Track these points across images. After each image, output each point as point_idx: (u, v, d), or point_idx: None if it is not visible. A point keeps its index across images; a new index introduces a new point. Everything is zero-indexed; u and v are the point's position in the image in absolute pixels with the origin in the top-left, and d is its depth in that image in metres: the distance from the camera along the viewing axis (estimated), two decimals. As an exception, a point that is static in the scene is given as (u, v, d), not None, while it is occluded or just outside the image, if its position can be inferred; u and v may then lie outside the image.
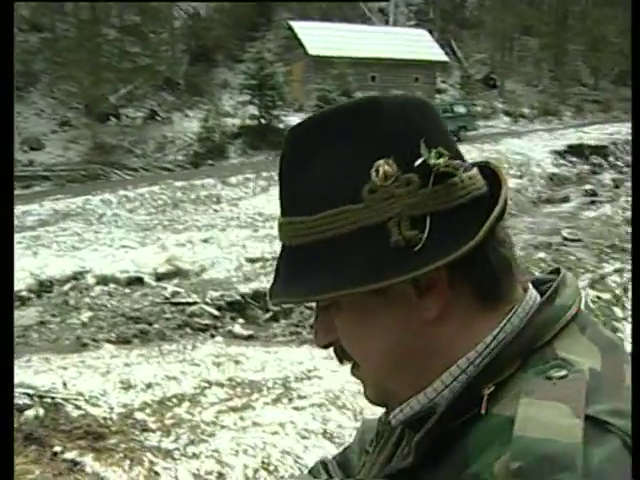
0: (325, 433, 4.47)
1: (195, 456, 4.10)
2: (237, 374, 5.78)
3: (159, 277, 10.79)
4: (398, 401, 0.78)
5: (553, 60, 38.83)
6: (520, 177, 18.49)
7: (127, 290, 10.20)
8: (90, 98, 27.68)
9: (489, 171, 0.77)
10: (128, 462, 4.00)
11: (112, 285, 10.39)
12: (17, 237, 12.62)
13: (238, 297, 9.51)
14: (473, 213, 0.71)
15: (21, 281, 9.74)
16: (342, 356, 0.79)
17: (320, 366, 6.02)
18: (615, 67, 40.33)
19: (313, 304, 0.79)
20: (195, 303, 9.35)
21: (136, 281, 10.56)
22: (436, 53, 35.63)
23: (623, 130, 23.05)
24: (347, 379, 5.57)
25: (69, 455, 4.07)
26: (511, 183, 15.59)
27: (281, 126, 29.22)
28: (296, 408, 4.91)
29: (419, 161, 0.70)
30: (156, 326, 8.56)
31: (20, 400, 4.71)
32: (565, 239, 12.33)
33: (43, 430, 4.37)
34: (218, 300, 9.44)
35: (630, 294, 7.24)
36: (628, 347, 0.79)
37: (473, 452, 0.66)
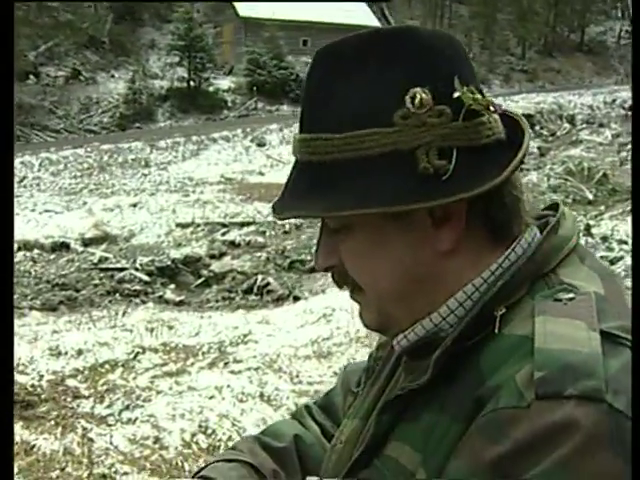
0: (262, 396, 4.45)
1: (130, 421, 4.02)
2: (171, 339, 5.69)
3: (86, 242, 10.48)
4: (397, 329, 0.80)
5: (483, 29, 39.35)
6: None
7: (52, 256, 9.87)
8: (8, 55, 26.36)
9: (507, 119, 0.79)
10: (60, 429, 3.88)
11: (36, 251, 10.02)
12: None
13: (169, 262, 9.33)
14: (497, 153, 0.73)
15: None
16: (341, 281, 0.80)
17: (256, 330, 5.99)
18: (541, 37, 41.25)
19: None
20: (124, 269, 9.14)
21: (61, 247, 10.23)
22: (369, 18, 35.54)
23: (549, 99, 23.69)
24: (283, 343, 5.57)
25: (-4, 424, 3.91)
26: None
27: (211, 89, 28.69)
28: (232, 372, 4.87)
29: (455, 95, 0.71)
30: (84, 292, 8.32)
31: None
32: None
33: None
34: (148, 266, 9.24)
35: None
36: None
37: (488, 369, 0.68)
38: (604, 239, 8.39)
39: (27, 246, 10.16)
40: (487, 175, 0.71)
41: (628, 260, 6.98)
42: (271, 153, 18.41)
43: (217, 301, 8.22)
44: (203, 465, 0.98)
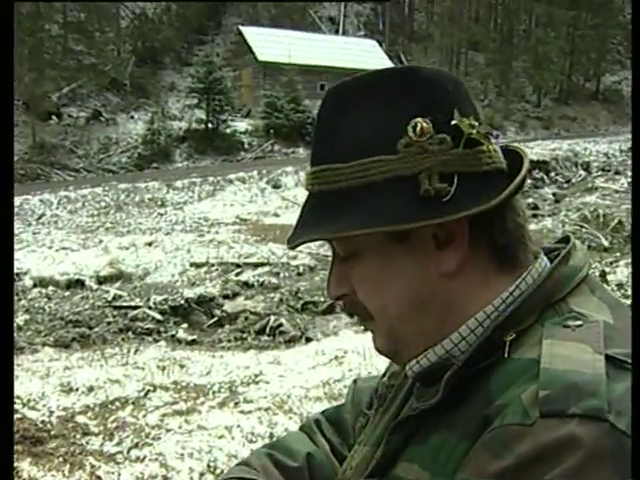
0: (272, 437, 4.40)
1: (139, 460, 3.98)
2: (182, 378, 5.67)
3: (101, 280, 10.53)
4: (409, 353, 0.82)
5: (499, 76, 39.75)
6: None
7: (67, 293, 9.92)
8: (30, 95, 26.95)
9: (508, 152, 0.83)
10: (68, 466, 3.86)
11: (51, 288, 10.09)
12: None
13: (182, 302, 9.35)
14: (497, 181, 0.77)
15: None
16: (352, 309, 0.83)
17: (267, 371, 5.96)
18: (557, 85, 41.57)
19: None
20: (138, 307, 9.16)
21: (76, 284, 10.29)
22: (385, 64, 36.00)
23: (564, 147, 23.73)
24: (294, 384, 5.53)
25: (5, 460, 3.89)
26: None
27: (228, 131, 29.06)
28: (242, 412, 4.83)
29: (453, 122, 0.76)
30: (97, 330, 8.34)
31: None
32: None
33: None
34: (162, 304, 9.27)
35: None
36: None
37: (497, 390, 0.70)
38: (619, 286, 8.33)
39: (42, 283, 10.24)
40: (487, 198, 0.74)
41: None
42: (286, 195, 18.53)
43: (229, 341, 8.20)
44: None
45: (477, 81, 40.85)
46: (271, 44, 32.91)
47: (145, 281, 10.56)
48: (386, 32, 42.39)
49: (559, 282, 0.77)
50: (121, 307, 9.25)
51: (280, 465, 1.00)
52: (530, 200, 17.94)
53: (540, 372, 0.67)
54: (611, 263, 10.11)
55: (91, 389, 5.21)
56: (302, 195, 16.98)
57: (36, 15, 29.90)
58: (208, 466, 3.94)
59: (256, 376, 5.77)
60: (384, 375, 0.97)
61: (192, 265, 11.28)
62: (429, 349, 0.80)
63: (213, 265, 11.15)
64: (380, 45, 38.33)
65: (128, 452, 4.09)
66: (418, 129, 0.74)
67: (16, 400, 4.79)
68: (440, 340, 0.79)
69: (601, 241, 12.01)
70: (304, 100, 30.02)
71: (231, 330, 8.67)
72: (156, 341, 7.95)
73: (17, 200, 16.94)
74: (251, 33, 34.27)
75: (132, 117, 30.14)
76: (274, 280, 10.39)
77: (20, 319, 8.65)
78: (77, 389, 5.20)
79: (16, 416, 4.53)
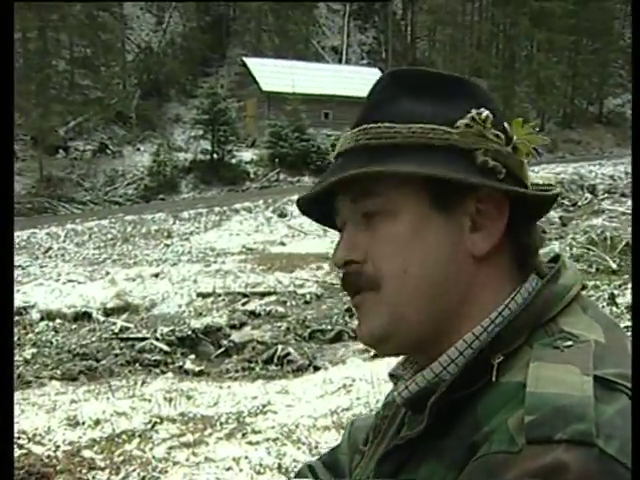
0: (280, 468, 4.35)
1: (146, 494, 3.93)
2: (189, 409, 5.62)
3: (108, 312, 10.53)
4: (399, 341, 0.77)
5: (502, 101, 39.97)
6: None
7: (74, 326, 9.92)
8: (38, 130, 27.23)
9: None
10: (74, 502, 3.81)
11: (58, 320, 10.10)
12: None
13: (189, 332, 9.33)
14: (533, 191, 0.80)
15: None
16: (354, 279, 0.79)
17: (275, 401, 5.90)
18: (560, 109, 41.74)
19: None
20: (145, 339, 9.14)
21: (83, 316, 10.29)
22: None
23: (569, 170, 23.75)
24: (302, 414, 5.47)
25: (10, 496, 3.85)
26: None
27: (233, 161, 29.25)
28: (250, 443, 4.77)
29: (507, 127, 0.79)
30: (104, 362, 8.32)
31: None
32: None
33: (-18, 470, 4.13)
34: (169, 335, 9.25)
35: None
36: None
37: (484, 416, 0.68)
38: (629, 308, 8.26)
39: (50, 316, 10.25)
40: (531, 191, 0.78)
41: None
42: (292, 224, 18.55)
43: (237, 371, 8.15)
44: None
45: (480, 107, 41.01)
46: (275, 74, 33.23)
47: (152, 312, 10.55)
48: (388, 60, 42.76)
49: (549, 301, 0.74)
50: (128, 339, 9.24)
51: None
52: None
53: (526, 396, 0.65)
54: (620, 286, 10.04)
55: (97, 422, 5.17)
56: (308, 224, 17.01)
57: (43, 51, 30.34)
58: (216, 499, 3.88)
59: (264, 406, 5.72)
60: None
61: (199, 295, 11.27)
62: (418, 374, 0.77)
63: (220, 295, 11.14)
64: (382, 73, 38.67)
65: (135, 486, 4.04)
66: (483, 115, 0.76)
67: (21, 435, 4.75)
68: (432, 347, 0.76)
69: (609, 264, 11.94)
70: (308, 129, 30.22)
71: (238, 360, 8.63)
72: (163, 372, 7.91)
73: (24, 234, 17.03)
74: (255, 64, 34.63)
75: (138, 149, 30.38)
76: (281, 309, 10.36)
77: (27, 352, 8.63)
78: (83, 423, 5.15)
79: (21, 451, 4.49)
